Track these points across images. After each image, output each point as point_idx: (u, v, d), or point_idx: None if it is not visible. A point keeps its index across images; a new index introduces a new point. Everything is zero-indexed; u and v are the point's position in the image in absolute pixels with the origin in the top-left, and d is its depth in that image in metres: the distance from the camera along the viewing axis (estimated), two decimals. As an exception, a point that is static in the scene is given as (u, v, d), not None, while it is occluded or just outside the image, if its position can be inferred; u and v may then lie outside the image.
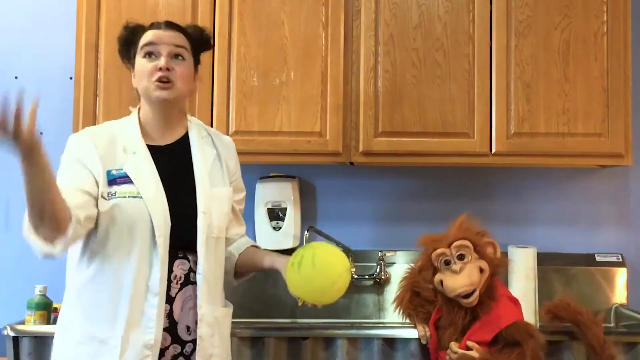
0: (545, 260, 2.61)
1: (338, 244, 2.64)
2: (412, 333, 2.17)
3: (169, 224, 1.76)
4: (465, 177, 2.82)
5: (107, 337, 1.71)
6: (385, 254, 2.74)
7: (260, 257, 1.93)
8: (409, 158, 2.54)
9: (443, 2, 2.54)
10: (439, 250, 1.98)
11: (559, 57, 2.51)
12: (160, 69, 1.79)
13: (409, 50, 2.53)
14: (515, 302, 2.06)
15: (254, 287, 2.65)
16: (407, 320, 2.19)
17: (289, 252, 1.92)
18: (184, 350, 1.78)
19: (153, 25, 1.88)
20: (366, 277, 2.75)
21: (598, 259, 2.74)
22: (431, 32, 2.53)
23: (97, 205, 1.75)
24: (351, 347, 2.21)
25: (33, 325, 2.27)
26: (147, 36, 1.84)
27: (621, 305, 2.70)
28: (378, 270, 2.74)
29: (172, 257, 1.77)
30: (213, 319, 1.81)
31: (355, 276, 2.73)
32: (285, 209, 2.75)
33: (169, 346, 1.76)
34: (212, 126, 2.42)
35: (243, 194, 2.03)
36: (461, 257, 1.97)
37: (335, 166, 2.75)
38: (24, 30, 2.87)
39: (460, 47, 2.52)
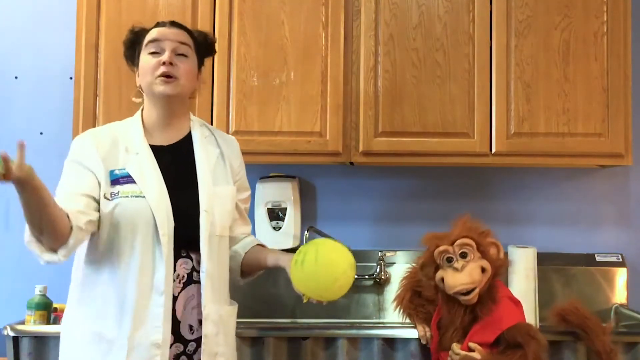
0: (545, 260, 2.61)
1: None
2: (412, 333, 2.17)
3: (172, 222, 1.77)
4: (465, 177, 2.82)
5: (114, 336, 1.72)
6: (385, 254, 2.74)
7: (265, 255, 1.94)
8: (409, 158, 2.54)
9: (443, 2, 2.54)
10: (441, 247, 1.98)
11: (559, 57, 2.51)
12: (164, 63, 1.79)
13: (409, 50, 2.53)
14: (516, 303, 2.05)
15: (255, 287, 2.64)
16: (407, 320, 2.19)
17: (290, 251, 1.92)
18: (187, 349, 1.79)
19: (158, 24, 1.89)
20: (366, 277, 2.75)
21: (598, 259, 2.74)
22: (431, 32, 2.53)
23: (99, 208, 1.77)
24: (351, 347, 2.21)
25: (33, 325, 2.27)
26: (152, 33, 1.86)
27: (621, 305, 2.70)
28: (378, 270, 2.74)
29: (175, 257, 1.77)
30: (218, 318, 1.81)
31: (355, 276, 2.71)
32: (285, 209, 2.75)
33: (171, 345, 1.76)
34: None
35: (248, 193, 2.03)
36: (464, 255, 1.96)
37: (335, 166, 2.75)
38: (24, 30, 2.87)
39: (460, 47, 2.52)
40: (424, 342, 2.14)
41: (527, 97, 2.50)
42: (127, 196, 1.76)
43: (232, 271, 1.95)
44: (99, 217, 1.76)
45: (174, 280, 1.77)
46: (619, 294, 2.72)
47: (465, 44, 2.53)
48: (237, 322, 1.94)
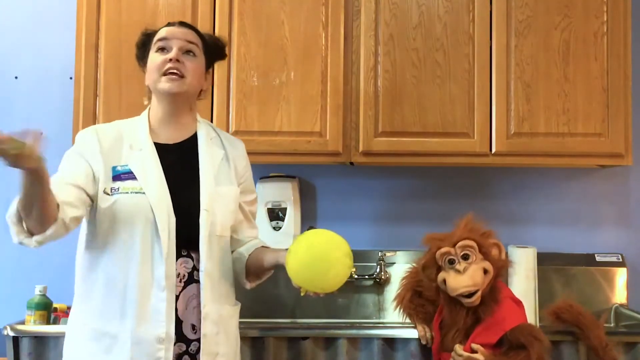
0: (545, 260, 2.61)
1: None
2: (412, 333, 2.17)
3: (174, 219, 1.77)
4: (465, 177, 2.82)
5: (118, 332, 1.73)
6: (385, 254, 2.74)
7: (266, 255, 1.90)
8: (409, 158, 2.54)
9: (443, 2, 2.54)
10: (443, 249, 1.98)
11: (559, 57, 2.51)
12: (171, 60, 1.81)
13: (409, 50, 2.53)
14: (518, 303, 2.05)
15: (255, 287, 2.65)
16: (407, 320, 2.19)
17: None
18: (189, 349, 1.78)
19: (167, 24, 1.91)
20: (366, 277, 2.75)
21: (598, 259, 2.74)
22: (431, 32, 2.53)
23: (89, 202, 1.77)
24: (351, 347, 2.21)
25: (33, 325, 2.27)
26: (161, 32, 1.88)
27: (621, 305, 2.70)
28: (378, 270, 2.74)
29: (176, 256, 1.77)
30: (218, 317, 1.81)
31: (355, 276, 2.73)
32: (285, 209, 2.75)
33: (174, 344, 1.76)
34: (212, 126, 2.42)
35: (254, 196, 2.02)
36: (465, 257, 1.96)
37: (335, 166, 2.75)
38: (24, 30, 2.87)
39: (460, 47, 2.52)
40: (424, 342, 2.13)
41: (527, 97, 2.50)
42: (127, 192, 1.77)
43: (238, 274, 1.94)
44: (86, 212, 1.77)
45: (175, 279, 1.77)
46: (619, 294, 2.72)
47: (465, 44, 2.53)
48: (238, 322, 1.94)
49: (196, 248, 1.80)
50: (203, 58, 1.90)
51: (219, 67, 2.51)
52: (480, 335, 1.96)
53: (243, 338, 2.18)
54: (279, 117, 2.50)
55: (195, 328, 1.79)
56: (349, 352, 2.21)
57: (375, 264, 2.75)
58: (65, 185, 1.73)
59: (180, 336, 1.77)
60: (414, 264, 2.22)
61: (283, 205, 2.75)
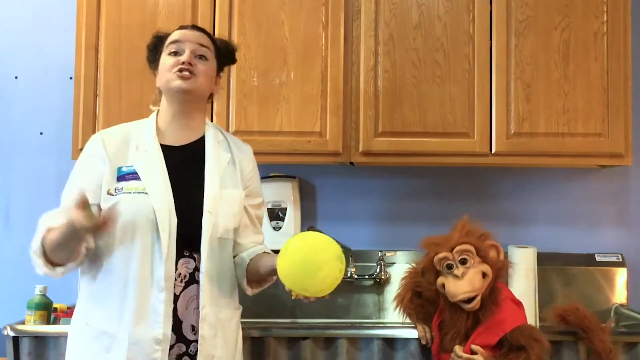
0: (545, 260, 2.61)
1: (338, 243, 2.63)
2: (412, 333, 2.17)
3: (175, 220, 1.77)
4: (465, 177, 2.82)
5: (116, 331, 1.74)
6: (385, 254, 2.74)
7: (262, 260, 1.88)
8: (409, 158, 2.54)
9: (443, 2, 2.54)
10: (441, 255, 1.97)
11: (559, 57, 2.51)
12: (183, 62, 1.82)
13: (409, 50, 2.53)
14: (518, 304, 2.05)
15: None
16: (407, 320, 2.19)
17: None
18: (189, 350, 1.78)
19: (180, 27, 1.93)
20: (366, 277, 2.75)
21: (598, 259, 2.74)
22: (431, 32, 2.53)
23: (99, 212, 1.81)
24: (351, 347, 2.21)
25: (33, 325, 2.27)
26: (173, 35, 1.89)
27: (621, 305, 2.70)
28: (378, 270, 2.74)
29: (177, 256, 1.78)
30: (216, 320, 1.81)
31: (355, 276, 2.73)
32: (285, 209, 2.75)
33: (173, 345, 1.77)
34: (212, 126, 2.42)
35: (260, 200, 2.01)
36: (463, 262, 1.95)
37: (335, 166, 2.75)
38: (24, 30, 2.87)
39: (460, 47, 2.52)
40: (423, 342, 2.13)
41: (527, 97, 2.50)
42: (130, 192, 1.78)
43: (239, 279, 1.94)
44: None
45: (176, 279, 1.77)
46: (619, 294, 2.72)
47: (465, 44, 2.53)
48: (237, 322, 1.94)
49: (198, 249, 1.80)
50: (214, 62, 1.91)
51: (219, 67, 2.51)
52: (480, 336, 1.95)
53: (243, 338, 2.17)
54: (279, 117, 2.50)
55: (195, 329, 1.79)
56: (349, 352, 2.21)
57: (375, 264, 2.75)
58: None
59: (180, 337, 1.77)
60: (413, 264, 2.22)
61: (283, 205, 2.75)
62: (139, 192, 1.78)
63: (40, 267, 1.74)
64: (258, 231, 2.00)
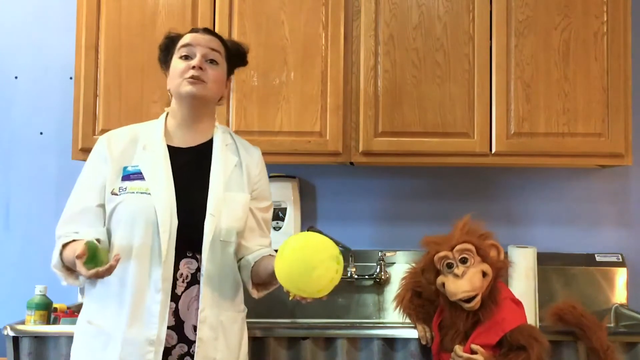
0: (545, 260, 2.61)
1: (338, 244, 2.63)
2: (412, 333, 2.17)
3: (176, 221, 1.77)
4: (465, 177, 2.82)
5: (112, 330, 1.75)
6: (385, 254, 2.74)
7: (265, 262, 1.87)
8: (409, 158, 2.54)
9: (443, 2, 2.54)
10: (441, 253, 1.97)
11: (559, 57, 2.51)
12: (194, 67, 1.82)
13: (409, 50, 2.53)
14: (518, 304, 2.05)
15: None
16: (407, 320, 2.19)
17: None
18: (191, 350, 1.78)
19: (192, 30, 1.94)
20: (366, 277, 2.75)
21: (598, 259, 2.74)
22: (431, 32, 2.53)
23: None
24: (351, 347, 2.21)
25: (33, 325, 2.27)
26: (185, 39, 1.89)
27: (621, 305, 2.70)
28: (378, 270, 2.74)
29: (180, 256, 1.78)
30: (217, 323, 1.81)
31: (355, 276, 2.73)
32: (285, 209, 2.75)
33: (175, 345, 1.77)
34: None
35: (268, 203, 2.01)
36: (464, 261, 1.95)
37: (335, 166, 2.75)
38: (24, 30, 2.87)
39: (460, 47, 2.52)
40: (423, 342, 2.13)
41: (527, 97, 2.50)
42: (133, 192, 1.79)
43: (245, 282, 1.93)
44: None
45: (178, 279, 1.78)
46: (619, 294, 2.72)
47: (465, 44, 2.53)
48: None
49: (200, 250, 1.80)
50: (225, 66, 1.92)
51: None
52: (480, 336, 1.95)
53: (243, 338, 2.18)
54: (279, 117, 2.50)
55: (196, 329, 1.78)
56: (349, 352, 2.20)
57: (375, 264, 2.75)
58: (91, 212, 1.82)
59: (182, 337, 1.78)
60: (413, 264, 2.22)
61: (283, 205, 2.75)
62: (142, 193, 1.79)
63: (62, 279, 1.79)
64: (265, 234, 1.99)
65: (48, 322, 2.31)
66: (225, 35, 2.49)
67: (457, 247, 1.96)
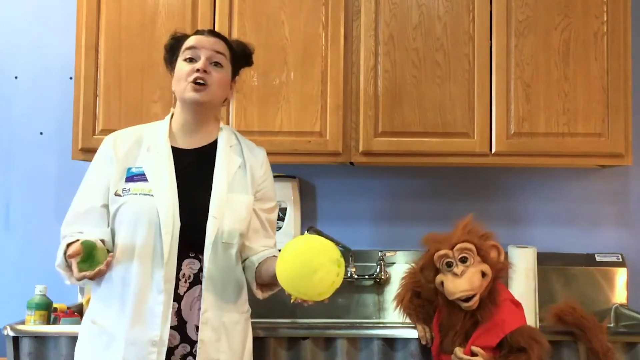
0: (545, 260, 2.61)
1: (338, 244, 2.64)
2: (412, 333, 2.17)
3: (178, 223, 1.78)
4: (465, 177, 2.82)
5: (115, 331, 1.75)
6: (385, 254, 2.74)
7: (268, 263, 1.87)
8: (409, 158, 2.54)
9: (443, 2, 2.54)
10: (441, 252, 1.97)
11: (559, 57, 2.51)
12: (198, 70, 1.82)
13: (409, 50, 2.53)
14: (518, 305, 2.04)
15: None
16: (407, 320, 2.19)
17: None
18: (193, 350, 1.78)
19: (197, 32, 1.94)
20: (366, 277, 2.75)
21: (598, 259, 2.74)
22: (431, 32, 2.53)
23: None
24: (351, 347, 2.21)
25: (33, 325, 2.27)
26: (190, 41, 1.89)
27: (621, 305, 2.70)
28: (378, 270, 2.74)
29: (182, 256, 1.79)
30: (219, 324, 1.80)
31: (355, 276, 2.73)
32: (285, 209, 2.75)
33: (178, 345, 1.77)
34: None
35: (273, 204, 2.00)
36: (463, 260, 1.95)
37: (335, 166, 2.75)
38: (24, 30, 2.87)
39: (460, 47, 2.52)
40: (423, 342, 2.13)
41: (527, 97, 2.50)
42: (136, 193, 1.80)
43: (249, 283, 1.94)
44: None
45: (180, 280, 1.78)
46: (619, 294, 2.72)
47: (465, 44, 2.53)
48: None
49: (203, 251, 1.80)
50: (230, 68, 1.92)
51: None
52: (480, 337, 1.95)
53: (243, 338, 2.18)
54: (279, 117, 2.50)
55: (199, 330, 1.78)
56: (349, 352, 2.20)
57: (375, 264, 2.75)
58: (96, 213, 1.83)
59: (184, 337, 1.78)
60: (413, 264, 2.21)
61: (283, 205, 2.75)
62: (144, 194, 1.79)
63: (66, 278, 1.78)
64: (269, 235, 1.99)
65: (48, 322, 2.31)
66: (225, 36, 2.50)
67: (458, 246, 1.96)
